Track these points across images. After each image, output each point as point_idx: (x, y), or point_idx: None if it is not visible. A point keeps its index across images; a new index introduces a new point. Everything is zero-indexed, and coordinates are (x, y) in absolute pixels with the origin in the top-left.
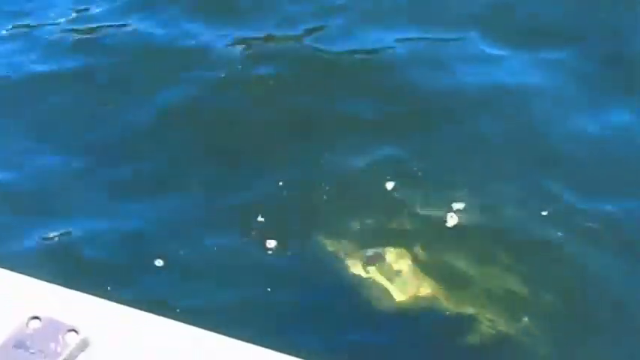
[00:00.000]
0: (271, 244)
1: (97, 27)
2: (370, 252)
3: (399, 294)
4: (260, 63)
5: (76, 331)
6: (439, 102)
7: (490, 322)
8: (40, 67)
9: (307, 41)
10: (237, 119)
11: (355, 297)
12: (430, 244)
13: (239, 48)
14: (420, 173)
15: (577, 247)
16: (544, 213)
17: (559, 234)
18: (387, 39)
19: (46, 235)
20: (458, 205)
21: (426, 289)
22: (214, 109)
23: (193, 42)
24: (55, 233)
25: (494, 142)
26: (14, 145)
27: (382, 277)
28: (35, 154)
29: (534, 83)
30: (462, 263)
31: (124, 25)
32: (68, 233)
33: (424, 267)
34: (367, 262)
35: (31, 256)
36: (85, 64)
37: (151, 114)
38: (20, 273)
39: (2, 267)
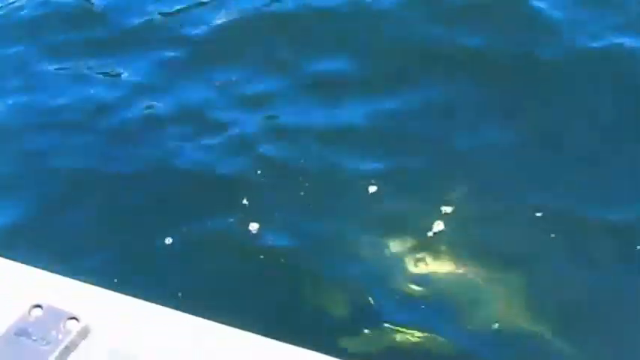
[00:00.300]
0: (254, 227)
1: None
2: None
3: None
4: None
5: (76, 319)
6: (428, 106)
7: (478, 333)
8: None
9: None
10: (229, 121)
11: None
12: (415, 248)
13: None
14: (406, 177)
15: (568, 251)
16: (538, 214)
17: (552, 235)
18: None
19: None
20: (446, 209)
21: (411, 292)
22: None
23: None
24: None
25: (483, 146)
26: None
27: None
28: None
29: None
30: (448, 271)
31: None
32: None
33: (411, 269)
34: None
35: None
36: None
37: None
38: (22, 263)
39: (4, 257)
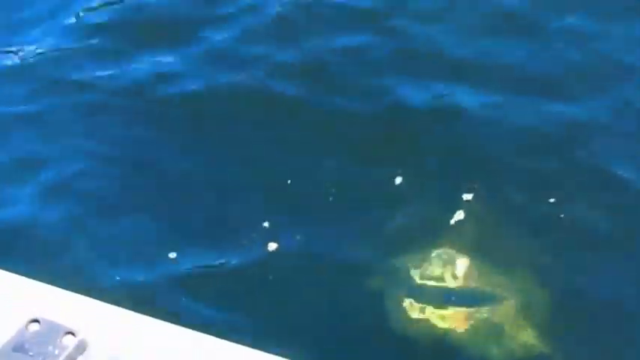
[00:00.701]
0: (273, 246)
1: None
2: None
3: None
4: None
5: (73, 334)
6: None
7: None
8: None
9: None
10: (241, 123)
11: (357, 298)
12: (438, 240)
13: None
14: (428, 167)
15: (585, 235)
16: (551, 200)
17: (566, 220)
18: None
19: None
20: (467, 196)
21: (435, 287)
22: (216, 115)
23: None
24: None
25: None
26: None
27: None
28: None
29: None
30: (469, 260)
31: None
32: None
33: (434, 264)
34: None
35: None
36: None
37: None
38: (20, 274)
39: (1, 268)
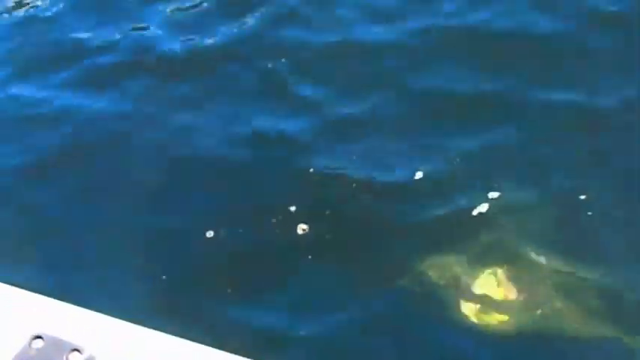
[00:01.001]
0: (304, 228)
1: None
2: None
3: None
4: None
5: (79, 351)
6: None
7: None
8: None
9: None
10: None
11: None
12: (463, 236)
13: None
14: (456, 161)
15: (615, 231)
16: (582, 197)
17: (596, 216)
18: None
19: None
20: (493, 194)
21: (460, 283)
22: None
23: None
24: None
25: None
26: None
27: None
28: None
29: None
30: (492, 258)
31: None
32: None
33: (458, 260)
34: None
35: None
36: None
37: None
38: (23, 289)
39: (4, 282)
